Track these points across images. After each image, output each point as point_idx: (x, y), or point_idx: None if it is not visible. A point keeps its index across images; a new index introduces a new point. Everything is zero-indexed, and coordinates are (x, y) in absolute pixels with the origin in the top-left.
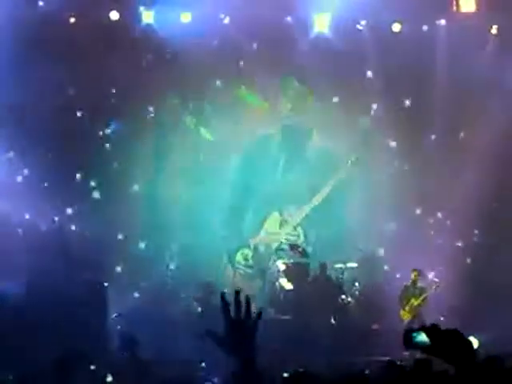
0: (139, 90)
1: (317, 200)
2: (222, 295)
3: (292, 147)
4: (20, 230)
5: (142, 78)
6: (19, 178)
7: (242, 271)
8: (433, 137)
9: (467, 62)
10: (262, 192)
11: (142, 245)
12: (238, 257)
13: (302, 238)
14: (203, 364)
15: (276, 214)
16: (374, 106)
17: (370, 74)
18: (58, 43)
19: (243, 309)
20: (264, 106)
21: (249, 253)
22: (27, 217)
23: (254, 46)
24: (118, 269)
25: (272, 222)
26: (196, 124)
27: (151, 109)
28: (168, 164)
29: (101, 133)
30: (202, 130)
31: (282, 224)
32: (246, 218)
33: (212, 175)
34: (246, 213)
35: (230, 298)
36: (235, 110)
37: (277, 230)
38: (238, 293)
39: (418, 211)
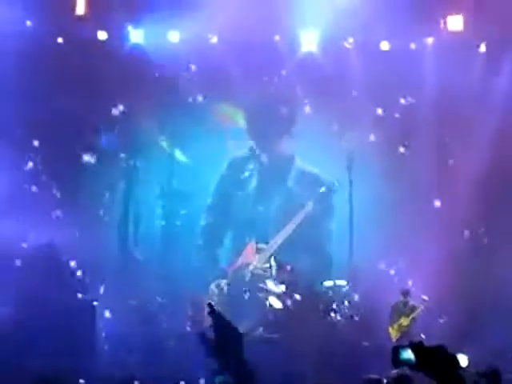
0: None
1: (290, 228)
2: (210, 304)
3: (271, 174)
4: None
5: (124, 97)
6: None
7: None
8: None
9: (455, 79)
10: (239, 219)
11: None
12: (212, 286)
13: (273, 270)
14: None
15: (252, 243)
16: (361, 125)
17: (356, 92)
18: (46, 62)
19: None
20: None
21: (224, 286)
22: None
23: (242, 65)
24: (107, 288)
25: (248, 253)
26: (170, 146)
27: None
28: (142, 189)
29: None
30: (177, 152)
31: (256, 253)
32: (223, 246)
33: (187, 200)
34: (223, 239)
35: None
36: (212, 132)
37: (252, 260)
38: (210, 305)
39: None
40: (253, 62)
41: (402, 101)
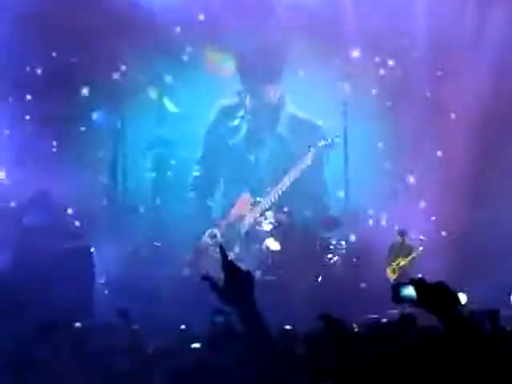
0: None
1: (288, 181)
2: (221, 246)
3: (262, 120)
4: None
5: (109, 45)
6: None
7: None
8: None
9: (447, 16)
10: (231, 169)
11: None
12: (205, 236)
13: (268, 224)
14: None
15: (247, 195)
16: (354, 70)
17: (348, 36)
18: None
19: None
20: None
21: (217, 232)
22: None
23: (232, 10)
24: (104, 235)
25: (242, 204)
26: (159, 94)
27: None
28: (131, 138)
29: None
30: (166, 101)
31: (252, 206)
32: (216, 197)
33: (178, 150)
34: (215, 190)
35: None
36: (200, 79)
37: (246, 213)
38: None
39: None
40: (244, 6)
41: (390, 62)
